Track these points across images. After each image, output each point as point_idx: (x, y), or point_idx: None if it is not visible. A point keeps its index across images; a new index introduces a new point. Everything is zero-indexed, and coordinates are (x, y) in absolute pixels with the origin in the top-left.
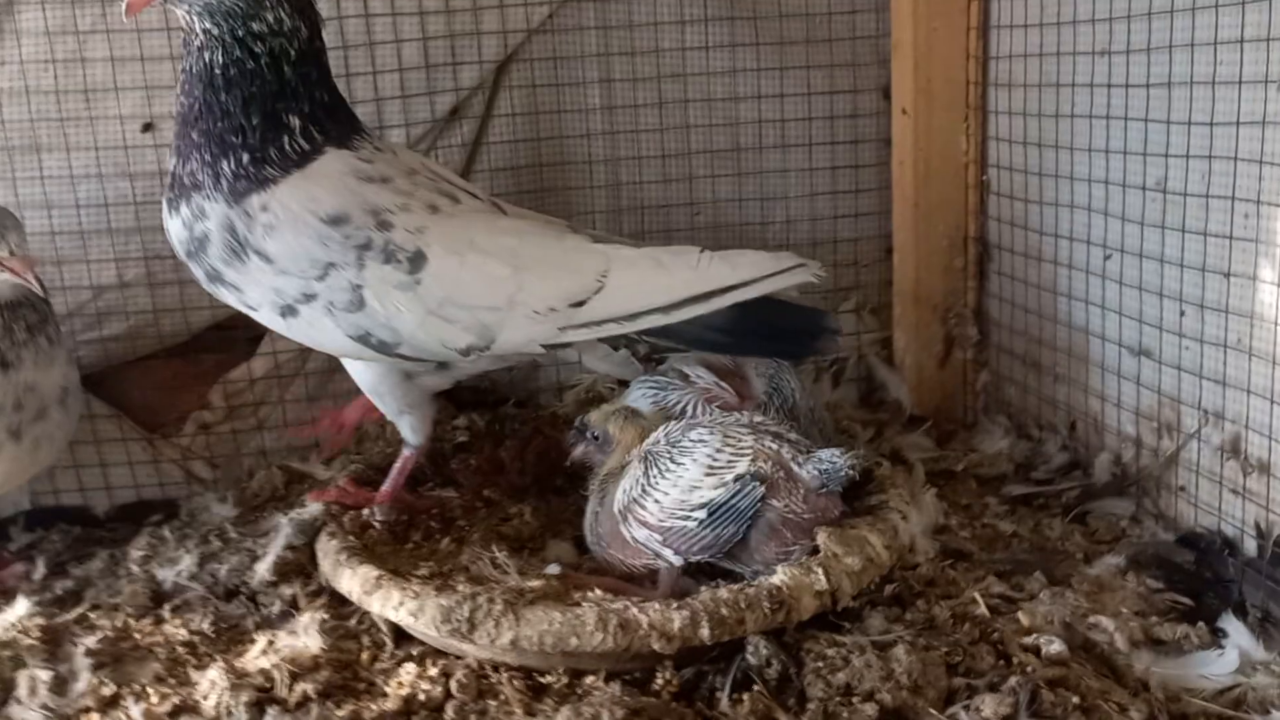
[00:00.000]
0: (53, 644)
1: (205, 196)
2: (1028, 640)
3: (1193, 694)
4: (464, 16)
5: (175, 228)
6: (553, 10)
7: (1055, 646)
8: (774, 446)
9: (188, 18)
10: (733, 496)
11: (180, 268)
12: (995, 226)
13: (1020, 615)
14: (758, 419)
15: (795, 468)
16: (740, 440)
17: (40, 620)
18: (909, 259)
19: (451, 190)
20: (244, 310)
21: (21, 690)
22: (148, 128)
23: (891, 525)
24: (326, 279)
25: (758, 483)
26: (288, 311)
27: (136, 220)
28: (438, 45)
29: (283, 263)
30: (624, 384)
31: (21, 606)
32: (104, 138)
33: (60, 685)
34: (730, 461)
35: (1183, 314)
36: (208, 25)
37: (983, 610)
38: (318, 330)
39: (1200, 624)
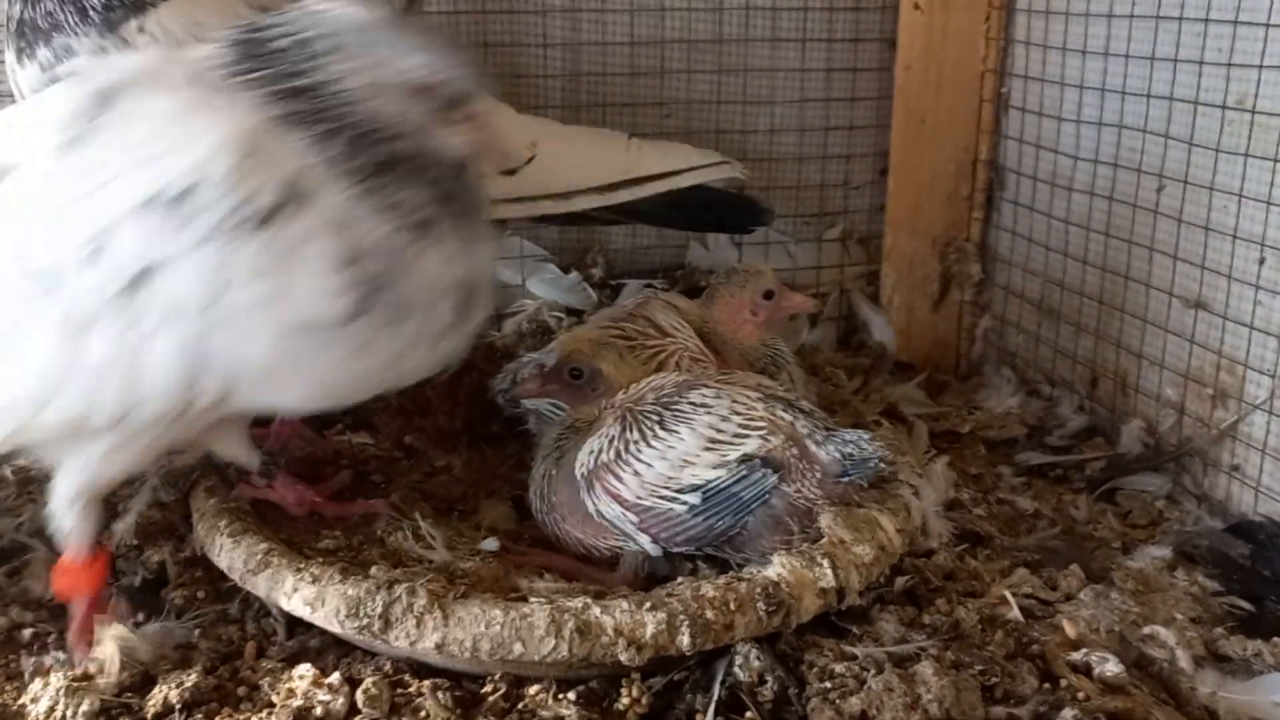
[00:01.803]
0: None
1: (70, 34)
2: (1075, 657)
3: None
4: None
5: (29, 77)
6: None
7: (1111, 667)
8: (787, 418)
9: None
10: (735, 481)
11: None
12: (1014, 148)
13: (1064, 623)
14: (764, 381)
15: (812, 446)
16: (750, 409)
17: None
18: (907, 182)
19: None
20: None
21: None
22: None
23: (903, 503)
24: None
25: (769, 470)
26: None
27: None
28: None
29: None
30: (573, 313)
31: None
32: None
33: None
34: (737, 436)
35: (1262, 261)
36: None
37: (1015, 614)
38: None
39: (1275, 640)
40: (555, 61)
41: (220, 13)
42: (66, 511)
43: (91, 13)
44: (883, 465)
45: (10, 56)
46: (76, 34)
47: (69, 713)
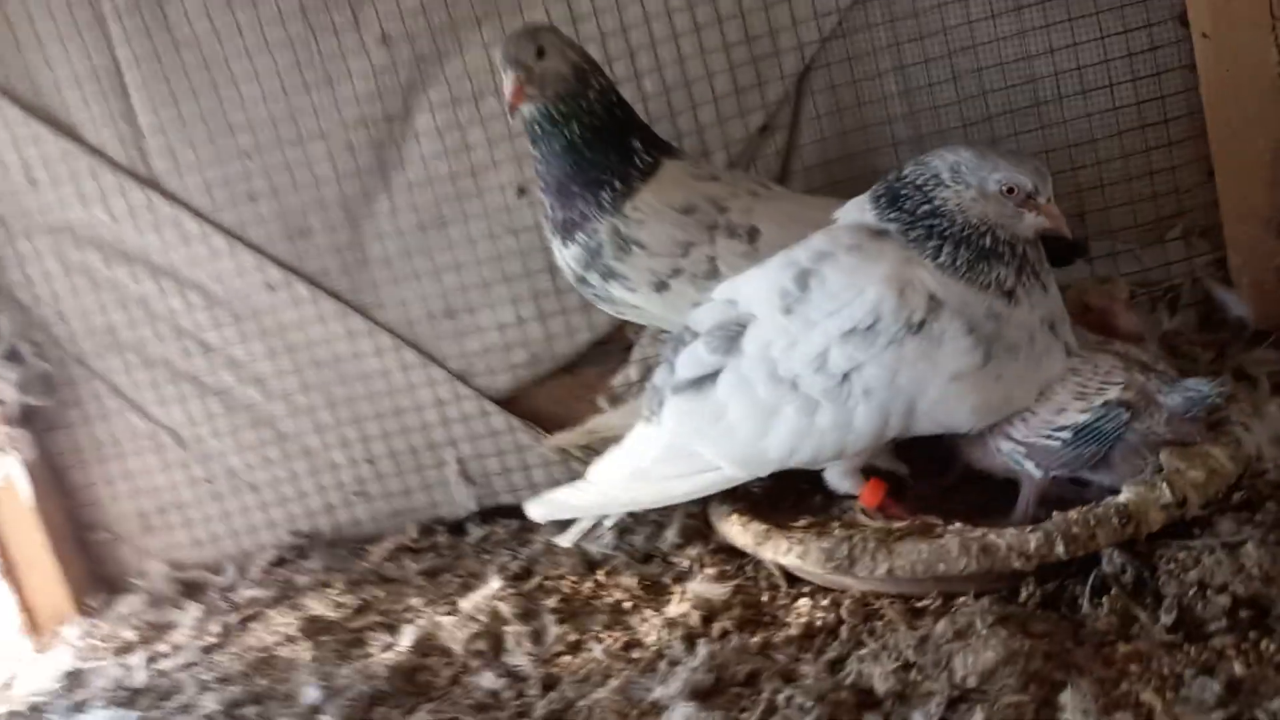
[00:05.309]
0: (523, 608)
1: (593, 218)
2: None
3: None
4: (763, 41)
5: (572, 254)
6: (841, 17)
7: None
8: (1140, 379)
9: (543, 108)
10: (1098, 420)
11: (564, 297)
12: None
13: None
14: (1131, 350)
15: (1160, 397)
16: (1111, 370)
17: (510, 591)
18: (1231, 180)
19: (763, 181)
20: (625, 295)
21: (509, 643)
22: (522, 192)
23: (1234, 437)
24: (689, 255)
25: (1123, 409)
26: (661, 287)
27: (524, 267)
28: (744, 70)
29: (654, 247)
30: None
31: (494, 583)
32: (490, 204)
33: (536, 637)
34: (1100, 388)
35: None
36: (561, 108)
37: None
38: (682, 299)
39: None
40: (905, 155)
41: (680, 187)
42: (841, 482)
43: (604, 204)
44: (1219, 397)
45: (558, 243)
46: (597, 219)
47: (669, 639)
